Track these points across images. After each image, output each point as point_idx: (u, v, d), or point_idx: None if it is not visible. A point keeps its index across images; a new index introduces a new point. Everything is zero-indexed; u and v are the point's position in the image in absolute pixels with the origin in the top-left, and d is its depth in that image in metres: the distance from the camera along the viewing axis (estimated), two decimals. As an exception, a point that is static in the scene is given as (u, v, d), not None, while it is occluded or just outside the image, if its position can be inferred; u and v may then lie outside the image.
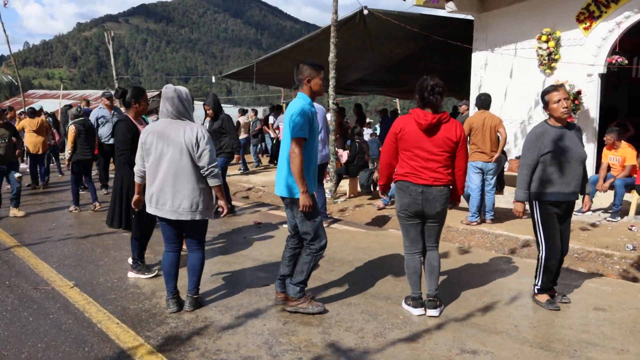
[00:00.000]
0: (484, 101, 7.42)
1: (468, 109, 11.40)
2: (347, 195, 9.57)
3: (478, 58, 10.99)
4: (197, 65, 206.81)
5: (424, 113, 4.00)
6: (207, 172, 4.01)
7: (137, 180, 4.26)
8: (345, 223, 7.88)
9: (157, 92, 30.62)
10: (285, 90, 20.95)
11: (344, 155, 10.04)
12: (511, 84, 10.42)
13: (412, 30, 10.94)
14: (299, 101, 4.07)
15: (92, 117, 9.70)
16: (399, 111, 25.63)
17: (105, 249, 6.21)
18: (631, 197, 7.75)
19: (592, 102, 9.13)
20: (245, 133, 13.79)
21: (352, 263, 5.63)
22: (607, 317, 4.17)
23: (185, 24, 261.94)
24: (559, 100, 4.15)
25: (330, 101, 9.18)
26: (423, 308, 4.19)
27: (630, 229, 6.92)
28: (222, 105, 9.24)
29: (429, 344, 3.65)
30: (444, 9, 10.50)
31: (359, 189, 9.76)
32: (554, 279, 4.45)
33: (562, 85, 4.34)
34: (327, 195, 9.45)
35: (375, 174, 8.70)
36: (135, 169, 4.23)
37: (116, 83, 14.48)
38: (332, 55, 8.93)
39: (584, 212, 4.53)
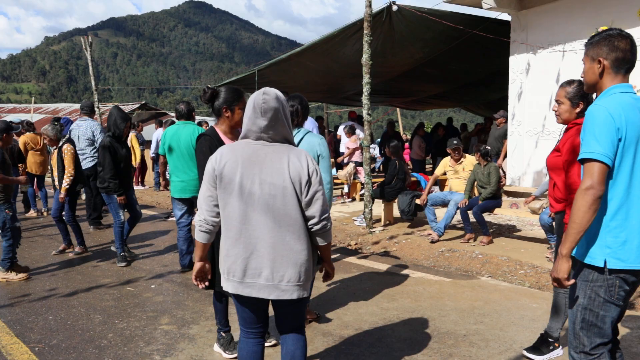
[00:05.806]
0: None
1: (506, 121, 10.08)
2: (383, 223, 8.08)
3: (517, 62, 9.64)
4: (169, 79, 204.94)
5: None
6: (318, 226, 2.49)
7: (201, 237, 2.57)
8: (416, 267, 6.27)
9: (137, 105, 28.58)
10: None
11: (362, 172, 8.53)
12: (559, 90, 9.10)
13: (440, 31, 9.61)
14: None
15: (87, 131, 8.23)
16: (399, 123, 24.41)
17: (108, 316, 4.40)
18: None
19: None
20: None
21: (470, 339, 3.88)
22: None
23: (155, 37, 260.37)
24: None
25: (365, 112, 7.71)
26: None
27: None
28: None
29: None
30: (480, 7, 9.20)
31: (394, 215, 8.32)
32: None
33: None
34: (360, 224, 7.99)
35: (423, 197, 7.24)
36: (199, 218, 2.57)
37: (95, 95, 12.71)
38: (365, 57, 7.49)
39: None
